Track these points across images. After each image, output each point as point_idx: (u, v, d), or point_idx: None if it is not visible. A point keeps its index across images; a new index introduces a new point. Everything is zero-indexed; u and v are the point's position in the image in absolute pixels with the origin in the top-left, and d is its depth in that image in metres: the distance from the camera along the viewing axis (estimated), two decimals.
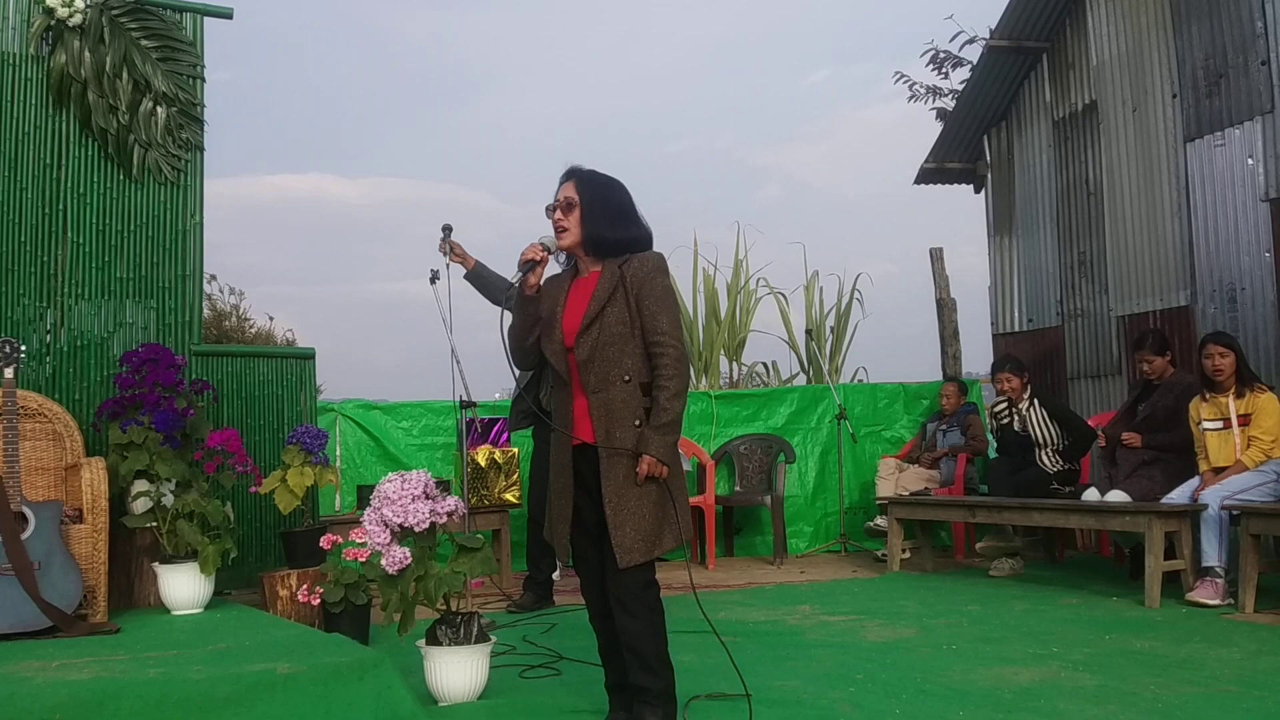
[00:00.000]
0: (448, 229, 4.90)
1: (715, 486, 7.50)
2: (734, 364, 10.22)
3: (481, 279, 5.60)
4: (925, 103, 13.33)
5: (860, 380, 10.01)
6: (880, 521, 7.60)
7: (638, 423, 3.07)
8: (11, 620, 3.97)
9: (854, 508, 8.06)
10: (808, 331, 9.80)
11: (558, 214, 3.18)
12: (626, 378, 3.08)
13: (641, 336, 3.10)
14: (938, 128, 10.01)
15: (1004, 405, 6.86)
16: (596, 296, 3.11)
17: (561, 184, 3.23)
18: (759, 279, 10.24)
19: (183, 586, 4.58)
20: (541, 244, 3.15)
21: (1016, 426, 6.78)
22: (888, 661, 4.16)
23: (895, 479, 7.64)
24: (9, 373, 4.26)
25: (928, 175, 9.40)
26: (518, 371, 3.69)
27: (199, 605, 4.64)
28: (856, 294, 10.22)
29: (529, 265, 3.09)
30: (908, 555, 7.12)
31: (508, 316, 3.26)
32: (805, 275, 10.31)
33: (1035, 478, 6.60)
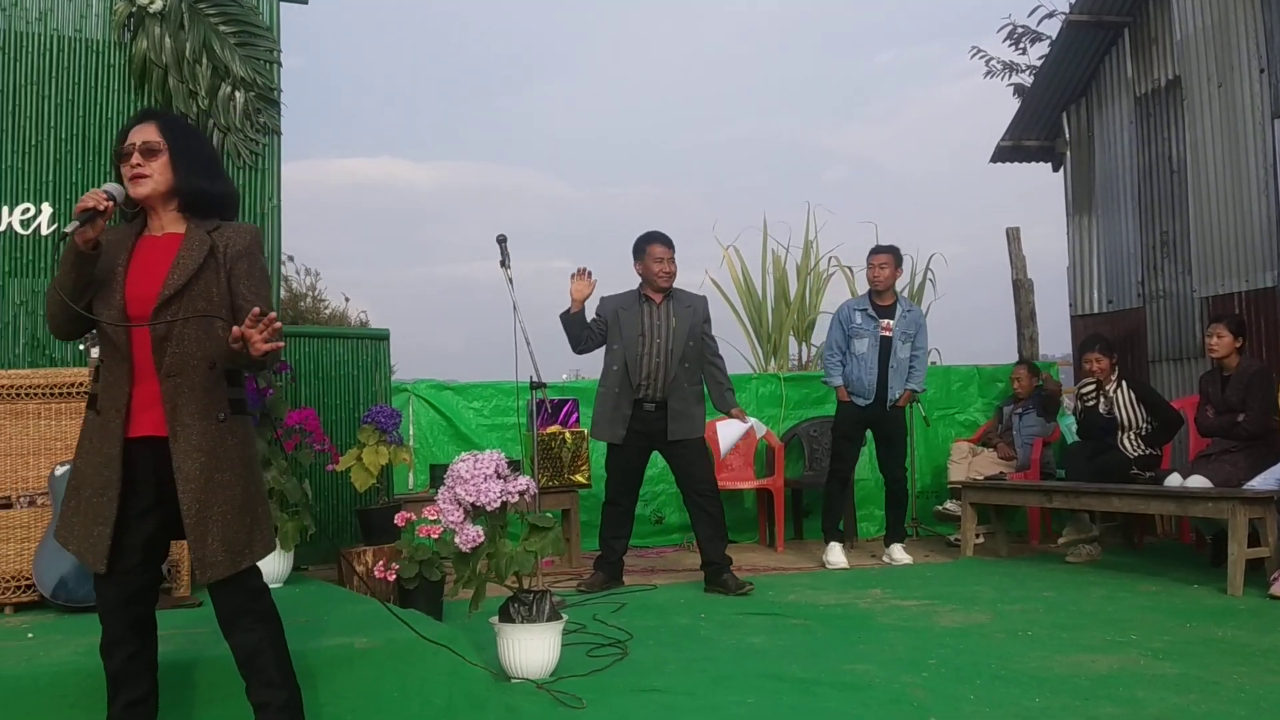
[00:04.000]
0: (503, 239, 4.93)
1: (784, 469, 7.46)
2: (803, 345, 10.15)
3: (575, 322, 5.66)
4: (1002, 79, 13.08)
5: (933, 363, 9.87)
6: (951, 505, 7.50)
7: (222, 416, 2.64)
8: None
9: (926, 492, 7.96)
10: None
11: (135, 159, 2.64)
12: (211, 363, 2.63)
13: (230, 317, 2.64)
14: (1014, 105, 9.81)
15: (1091, 387, 6.69)
16: (181, 264, 2.62)
17: (135, 126, 2.71)
18: (830, 259, 10.14)
19: (264, 562, 4.65)
20: (107, 192, 2.58)
21: (1102, 409, 6.62)
22: (961, 647, 4.12)
23: (968, 463, 7.54)
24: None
25: (1004, 153, 9.22)
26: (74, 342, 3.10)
27: (279, 580, 4.75)
28: (929, 274, 10.09)
29: (89, 215, 2.50)
30: (981, 540, 7.03)
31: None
32: None
33: (1115, 462, 6.46)
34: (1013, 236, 9.01)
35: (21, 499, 4.34)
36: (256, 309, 2.48)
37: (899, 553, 6.54)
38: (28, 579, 4.21)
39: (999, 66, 13.06)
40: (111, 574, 2.60)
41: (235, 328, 2.49)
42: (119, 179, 2.71)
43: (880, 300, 6.66)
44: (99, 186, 2.61)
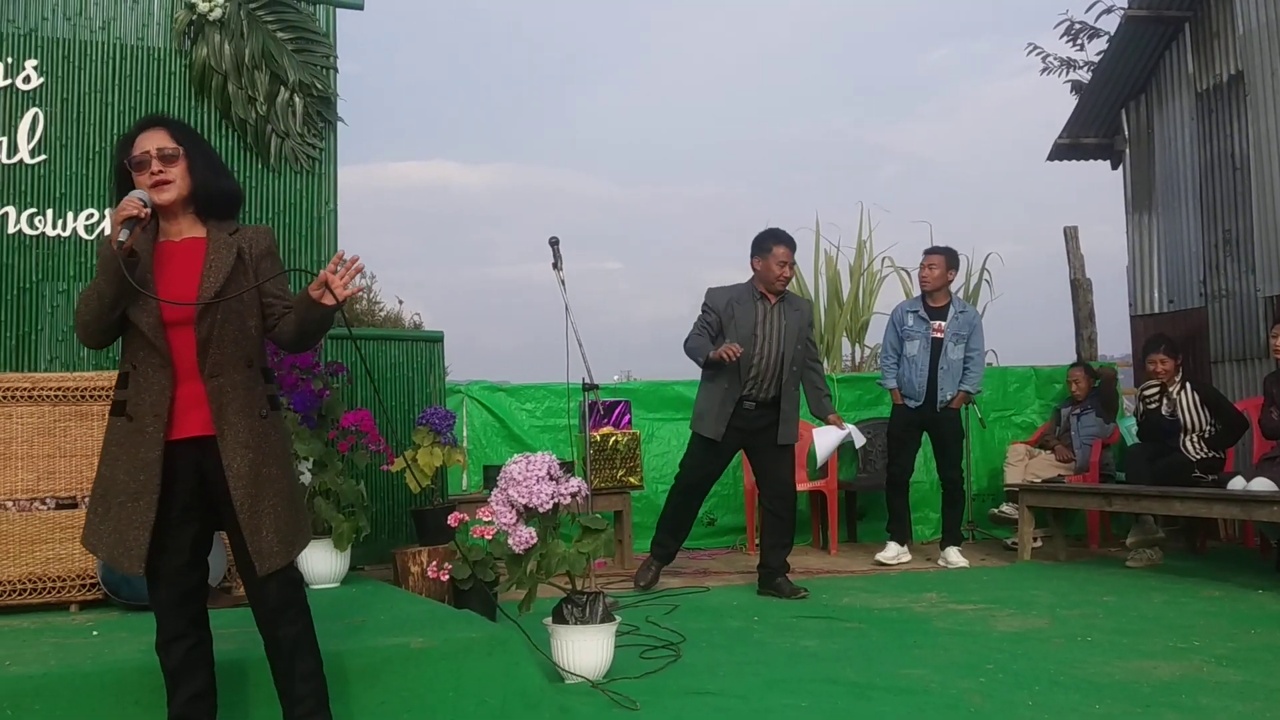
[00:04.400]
0: (555, 241, 4.94)
1: (838, 471, 7.41)
2: (856, 346, 10.08)
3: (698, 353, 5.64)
4: (1059, 76, 12.87)
5: (990, 364, 9.75)
6: (1006, 509, 7.41)
7: (264, 413, 2.72)
8: None
9: (982, 494, 7.87)
10: None
11: (155, 165, 2.66)
12: (249, 362, 2.72)
13: (260, 317, 2.76)
14: (1071, 102, 9.65)
15: (1154, 389, 6.57)
16: (214, 268, 2.67)
17: (143, 134, 2.73)
18: (884, 259, 10.05)
19: (320, 562, 4.75)
20: (141, 200, 2.60)
21: (1165, 410, 6.51)
22: (1019, 652, 4.06)
23: (1024, 465, 7.44)
24: None
25: (1062, 151, 9.09)
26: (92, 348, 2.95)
27: (335, 580, 4.81)
28: (985, 274, 9.97)
29: (133, 223, 2.55)
30: (1039, 544, 6.93)
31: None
32: None
33: (1176, 465, 6.34)
34: (1070, 235, 8.88)
35: (86, 499, 4.43)
36: (341, 250, 2.64)
37: (954, 556, 6.48)
38: (92, 577, 4.30)
39: (1056, 63, 12.86)
40: (164, 575, 2.66)
41: (321, 273, 2.62)
42: (123, 191, 2.71)
43: (932, 302, 6.64)
44: (133, 194, 2.62)
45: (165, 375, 2.64)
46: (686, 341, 5.66)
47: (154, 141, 2.70)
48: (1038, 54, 12.96)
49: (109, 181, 5.31)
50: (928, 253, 6.72)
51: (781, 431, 5.57)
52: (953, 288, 6.81)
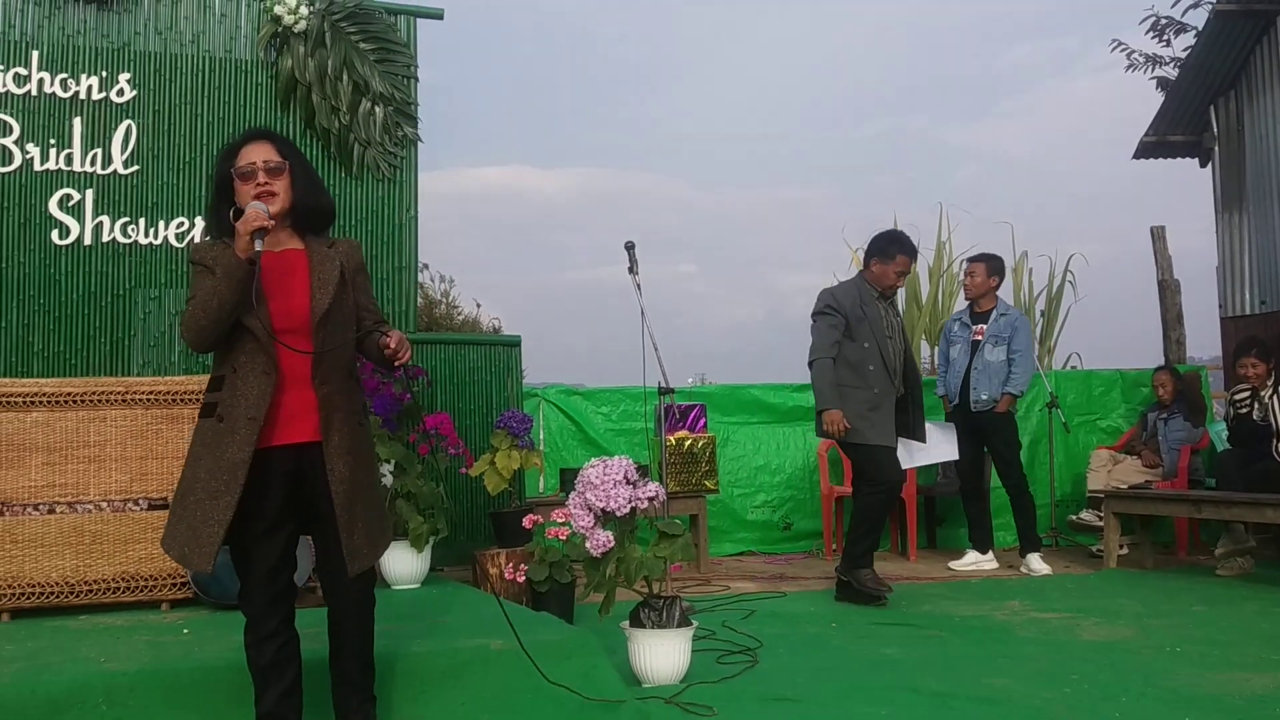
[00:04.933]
0: (631, 245, 4.95)
1: (916, 476, 7.32)
2: (935, 349, 9.93)
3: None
4: (1144, 72, 12.59)
5: (1073, 367, 9.57)
6: (1086, 515, 7.26)
7: (361, 421, 2.86)
8: None
9: (1066, 500, 7.71)
10: None
11: (262, 177, 2.76)
12: (350, 372, 2.87)
13: (355, 327, 2.87)
14: (1157, 99, 9.44)
15: (1245, 393, 6.40)
16: (324, 281, 2.79)
17: (249, 145, 2.83)
18: (963, 261, 9.91)
19: (402, 563, 4.83)
20: (264, 211, 2.69)
21: (1257, 415, 6.33)
22: (1105, 662, 3.97)
23: (1107, 471, 7.28)
24: None
25: (1148, 149, 8.88)
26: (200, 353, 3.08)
27: (416, 581, 4.89)
28: (1069, 275, 9.77)
29: (262, 233, 2.66)
30: (1125, 551, 6.78)
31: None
32: (1013, 256, 9.93)
33: (1269, 471, 6.16)
34: (1157, 235, 8.67)
35: None
36: (393, 339, 2.77)
37: (1036, 562, 6.36)
38: (183, 577, 4.42)
39: (1141, 59, 12.57)
40: (258, 575, 2.75)
41: (388, 339, 2.77)
42: (223, 199, 2.82)
43: (977, 308, 6.70)
44: (250, 206, 2.70)
45: (269, 381, 2.71)
46: (817, 350, 5.39)
47: (260, 154, 2.80)
48: (1122, 50, 12.69)
49: (204, 190, 5.50)
50: (969, 261, 6.83)
51: (915, 429, 5.55)
52: (1002, 292, 6.78)
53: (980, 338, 6.57)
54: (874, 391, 5.36)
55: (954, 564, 6.50)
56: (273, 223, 2.70)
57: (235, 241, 2.67)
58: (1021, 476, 6.55)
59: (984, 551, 6.54)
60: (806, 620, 4.94)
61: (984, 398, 6.44)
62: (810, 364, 5.42)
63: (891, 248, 5.55)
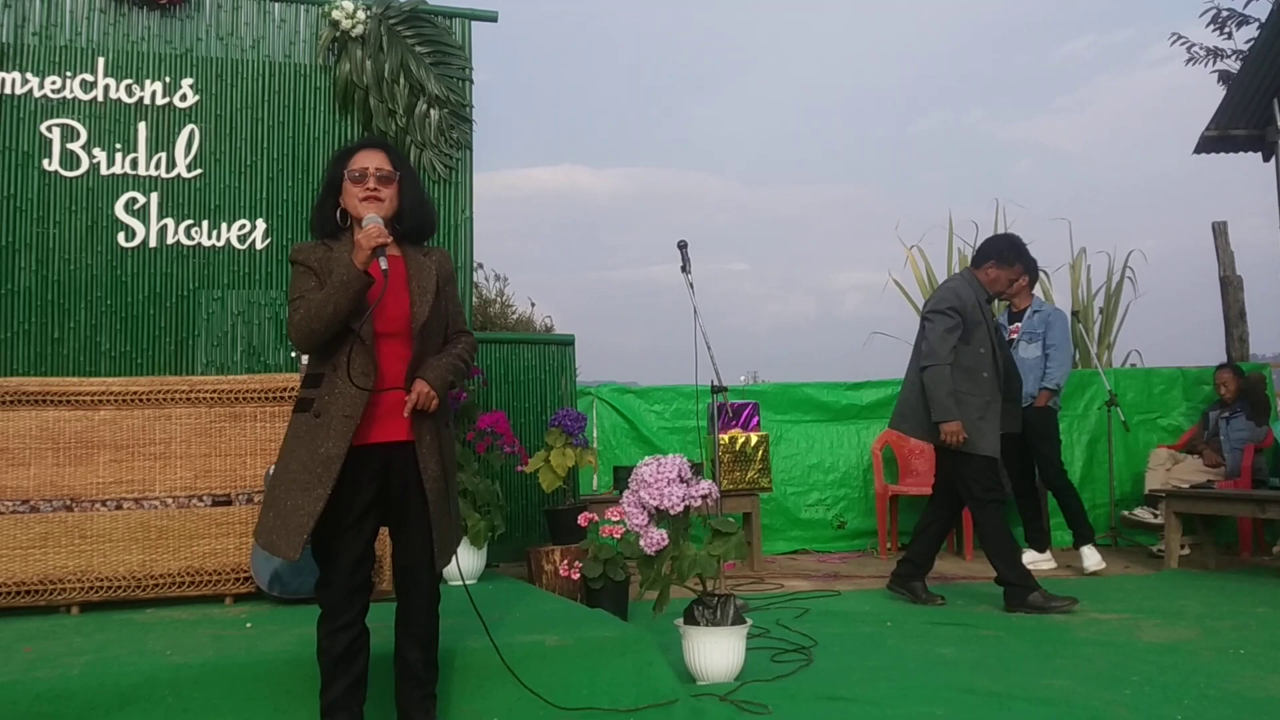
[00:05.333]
0: (683, 244, 4.96)
1: None
2: None
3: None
4: (1205, 66, 12.35)
5: (1133, 364, 9.43)
6: (1140, 512, 7.15)
7: (447, 424, 3.01)
8: (311, 586, 4.35)
9: (1125, 499, 7.60)
10: (1074, 312, 9.30)
11: (372, 182, 2.89)
12: None
13: (444, 334, 3.01)
14: (1218, 93, 9.27)
15: None
16: (423, 288, 2.93)
17: (364, 151, 2.95)
18: None
19: (460, 560, 4.87)
20: (381, 225, 2.83)
21: None
22: (1166, 664, 3.92)
23: (1166, 470, 7.17)
24: (306, 360, 4.63)
25: (1209, 144, 8.71)
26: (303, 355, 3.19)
27: (473, 577, 4.94)
28: (1128, 272, 9.63)
29: (382, 249, 2.79)
30: (1187, 551, 6.67)
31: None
32: (1070, 253, 9.81)
33: None
34: (1219, 231, 8.52)
35: (240, 496, 4.65)
36: (410, 398, 2.83)
37: (1089, 554, 6.27)
38: (246, 572, 4.50)
39: (1201, 52, 12.34)
40: (342, 567, 2.85)
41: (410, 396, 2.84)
42: (329, 199, 2.94)
43: (1013, 307, 6.71)
44: (368, 220, 2.82)
45: (367, 382, 2.82)
46: (935, 356, 5.15)
47: (374, 161, 2.92)
48: (1182, 44, 12.47)
49: (265, 192, 5.60)
50: None
51: (1013, 429, 5.45)
52: (1061, 288, 6.76)
53: (1015, 336, 6.58)
54: (985, 399, 5.19)
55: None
56: (390, 239, 2.82)
57: (354, 253, 2.78)
58: (1060, 472, 6.47)
59: (1041, 550, 6.46)
60: (861, 619, 4.92)
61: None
62: (925, 369, 5.18)
63: (1011, 254, 5.41)
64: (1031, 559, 6.39)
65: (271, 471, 4.45)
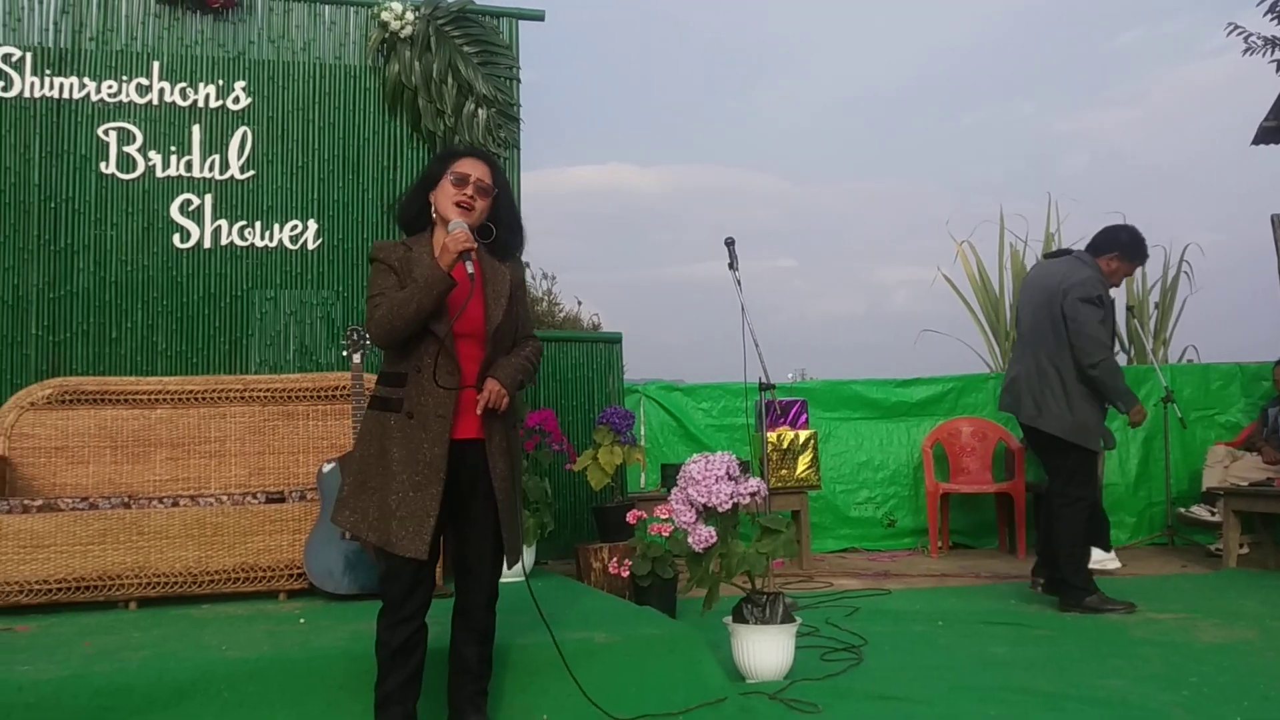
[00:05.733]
0: (731, 242, 4.93)
1: (1024, 472, 7.17)
2: None
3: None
4: (1263, 56, 12.09)
5: (1190, 360, 9.26)
6: (1197, 509, 7.02)
7: (516, 425, 3.11)
8: (363, 582, 4.41)
9: (1182, 497, 7.47)
10: (1129, 308, 9.16)
11: (470, 190, 2.96)
12: None
13: (514, 338, 3.08)
14: (1277, 83, 9.07)
15: None
16: (498, 292, 3.01)
17: (469, 160, 3.02)
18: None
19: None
20: (467, 231, 2.91)
21: None
22: (1225, 665, 3.85)
23: (1223, 467, 7.02)
24: (357, 358, 4.70)
25: (1268, 134, 8.54)
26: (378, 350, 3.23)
27: (519, 574, 4.95)
28: (1184, 266, 9.46)
29: (467, 254, 2.87)
30: (1246, 550, 6.54)
31: None
32: None
33: None
34: (1278, 224, 8.33)
35: (293, 494, 4.70)
36: (482, 397, 2.90)
37: (1097, 554, 6.12)
38: (299, 568, 4.56)
39: (1259, 42, 12.05)
40: (414, 559, 2.87)
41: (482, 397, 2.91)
42: (420, 192, 3.02)
43: None
44: (454, 225, 2.89)
45: (453, 382, 2.91)
46: (1100, 349, 4.98)
47: (479, 171, 3.00)
48: (1239, 34, 12.19)
49: (316, 193, 5.67)
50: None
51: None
52: (1148, 279, 6.57)
53: None
54: (1099, 397, 5.07)
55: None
56: (476, 245, 2.89)
57: (440, 255, 2.86)
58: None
59: (1106, 549, 6.33)
60: (912, 618, 4.88)
61: None
62: (1094, 365, 4.94)
63: (1138, 248, 5.26)
64: (1098, 559, 6.26)
65: (325, 469, 4.51)
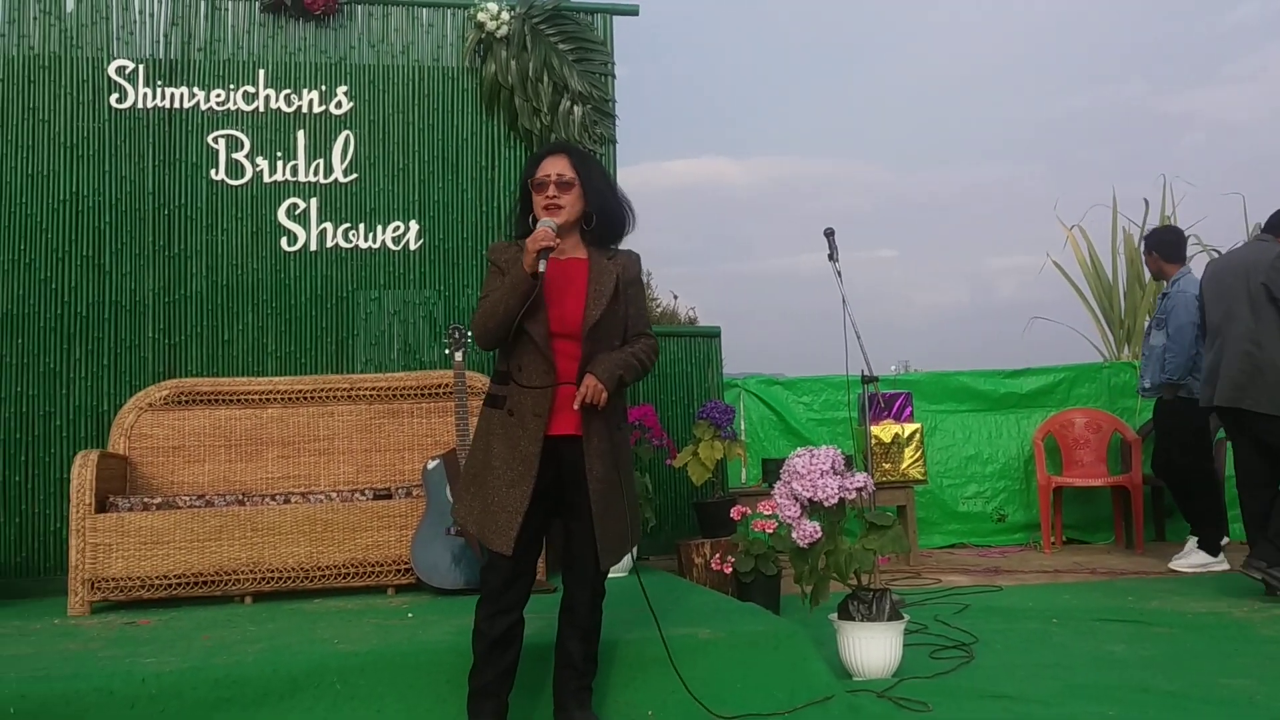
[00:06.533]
0: (830, 232, 4.86)
1: (1141, 465, 6.93)
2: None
3: None
4: None
5: None
6: None
7: (620, 426, 3.05)
8: (467, 577, 4.47)
9: None
10: None
11: (552, 190, 2.96)
12: None
13: (622, 336, 3.03)
14: None
15: None
16: (598, 292, 2.97)
17: (548, 158, 3.03)
18: (1190, 236, 9.30)
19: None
20: (551, 229, 2.89)
21: None
22: None
23: None
24: (459, 356, 4.75)
25: None
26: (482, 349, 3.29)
27: (624, 570, 4.97)
28: None
29: (547, 252, 2.85)
30: None
31: None
32: (1245, 230, 9.25)
33: None
34: None
35: (399, 490, 4.78)
36: (580, 392, 2.87)
37: (1184, 557, 5.92)
38: (406, 563, 4.63)
39: None
40: (514, 553, 2.89)
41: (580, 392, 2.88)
42: (524, 203, 3.05)
43: (1160, 291, 6.41)
44: (541, 223, 2.89)
45: (549, 381, 2.92)
46: None
47: (555, 167, 3.00)
48: None
49: (417, 194, 5.76)
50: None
51: None
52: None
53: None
54: None
55: (1175, 563, 5.99)
56: (558, 242, 2.89)
57: (524, 256, 2.86)
58: (1180, 469, 6.04)
59: (1214, 553, 6.09)
60: (1024, 615, 4.75)
61: (1146, 385, 6.19)
62: None
63: None
64: (1203, 562, 6.01)
65: (430, 466, 4.57)
